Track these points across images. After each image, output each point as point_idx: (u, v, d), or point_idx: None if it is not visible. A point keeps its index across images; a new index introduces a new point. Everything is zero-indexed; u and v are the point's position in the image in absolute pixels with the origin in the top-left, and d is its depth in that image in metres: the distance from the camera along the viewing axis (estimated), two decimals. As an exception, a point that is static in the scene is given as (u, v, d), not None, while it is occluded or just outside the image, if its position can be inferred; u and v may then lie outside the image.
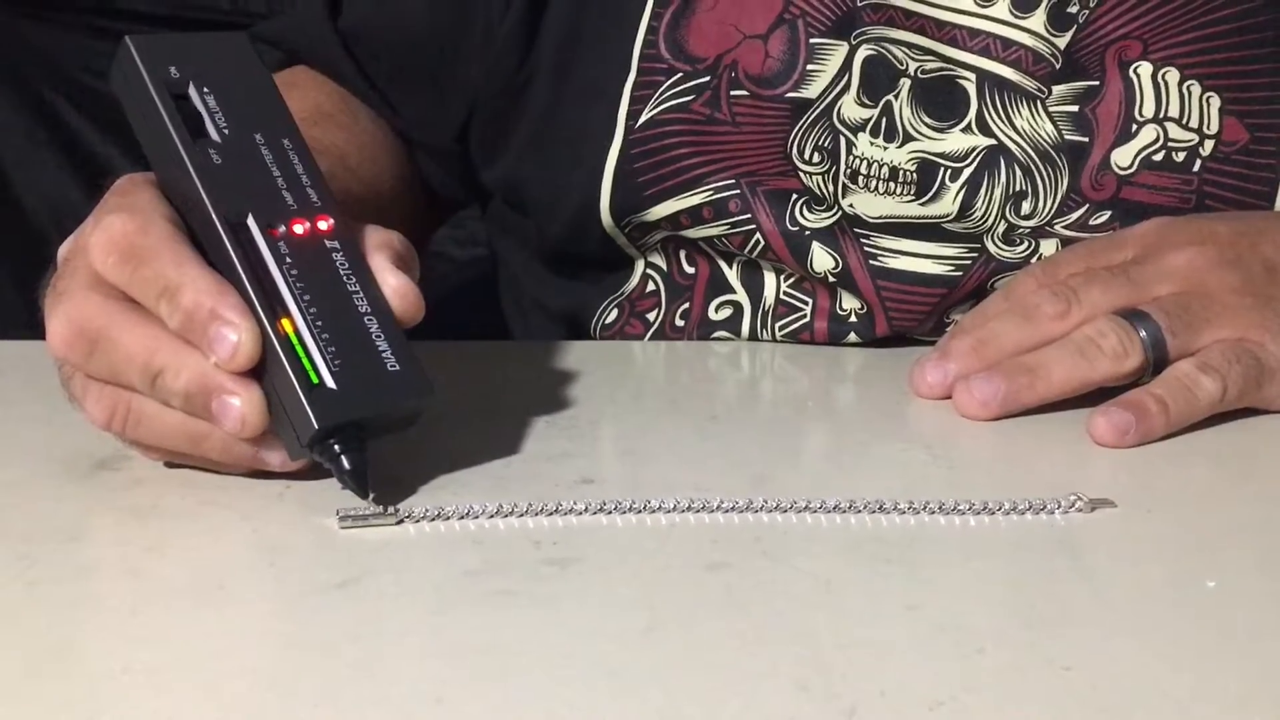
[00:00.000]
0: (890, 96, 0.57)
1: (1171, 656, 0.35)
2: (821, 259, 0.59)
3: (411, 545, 0.41)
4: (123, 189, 0.45)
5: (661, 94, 0.59)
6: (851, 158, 0.58)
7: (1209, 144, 0.57)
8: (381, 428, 0.43)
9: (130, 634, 0.37)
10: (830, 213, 0.58)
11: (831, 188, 0.58)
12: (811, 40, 0.58)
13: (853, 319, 0.60)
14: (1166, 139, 0.56)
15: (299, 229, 0.44)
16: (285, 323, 0.42)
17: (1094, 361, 0.50)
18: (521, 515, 0.43)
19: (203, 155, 0.43)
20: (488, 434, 0.48)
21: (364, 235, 0.45)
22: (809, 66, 0.58)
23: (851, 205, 0.58)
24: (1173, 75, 0.56)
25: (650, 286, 0.64)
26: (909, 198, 0.58)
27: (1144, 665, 0.35)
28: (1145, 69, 0.56)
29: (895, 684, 0.34)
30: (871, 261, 0.59)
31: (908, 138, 0.57)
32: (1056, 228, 0.57)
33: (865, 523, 0.43)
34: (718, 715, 0.33)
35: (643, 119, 0.59)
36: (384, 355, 0.43)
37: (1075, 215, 0.57)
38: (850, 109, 0.58)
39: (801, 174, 0.59)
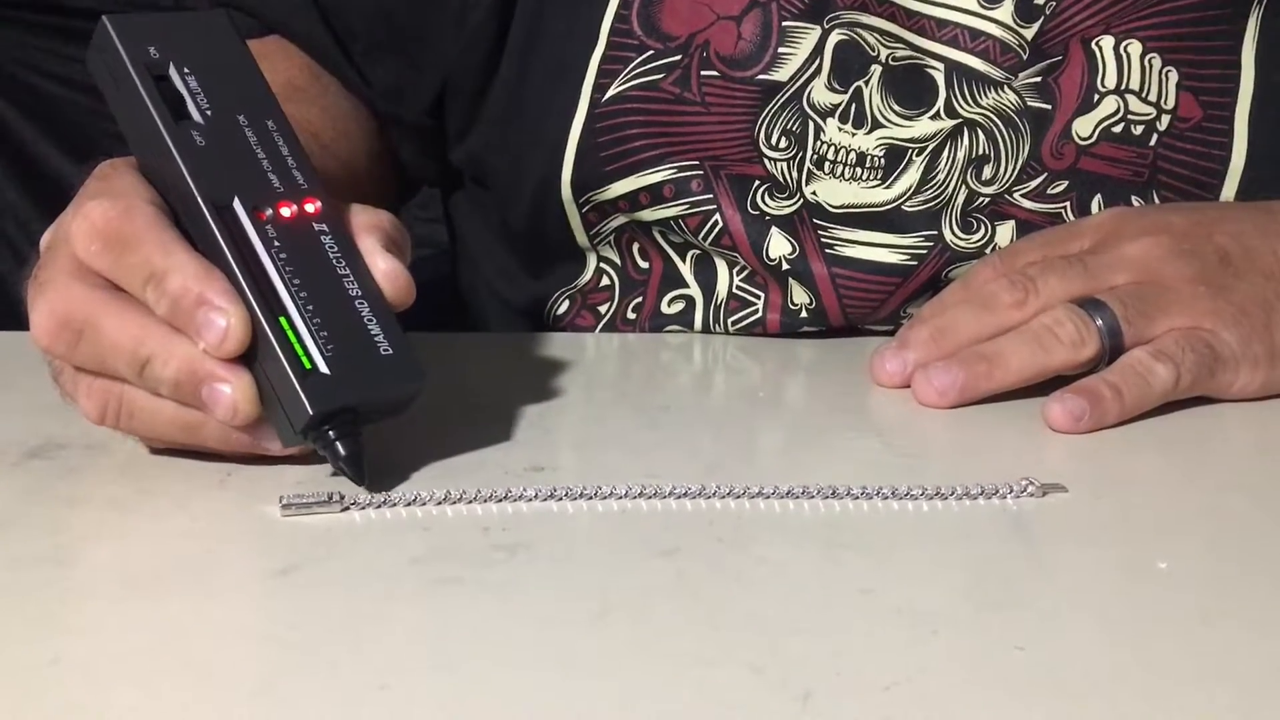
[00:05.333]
0: (861, 82, 0.57)
1: (1123, 636, 0.35)
2: (778, 244, 0.59)
3: (357, 532, 0.40)
4: (103, 174, 0.44)
5: (630, 70, 0.58)
6: (819, 143, 0.57)
7: (1165, 119, 0.57)
8: (375, 413, 0.43)
9: (59, 624, 0.35)
10: (792, 201, 0.58)
11: (796, 174, 0.58)
12: (784, 23, 0.57)
13: (804, 314, 0.60)
14: (1126, 111, 0.57)
15: (286, 211, 0.43)
16: (275, 307, 0.41)
17: (1051, 350, 0.50)
18: (470, 502, 0.42)
19: (186, 137, 0.43)
20: (435, 424, 0.47)
21: (352, 216, 0.44)
22: (780, 49, 0.57)
23: (814, 193, 0.58)
24: (1135, 47, 0.56)
25: (604, 281, 0.63)
26: (874, 183, 0.57)
27: (1096, 644, 0.35)
28: (1108, 41, 0.56)
29: (849, 666, 0.33)
30: (828, 250, 0.59)
31: (876, 124, 0.57)
32: (1016, 195, 0.57)
33: (818, 508, 0.42)
34: (671, 700, 0.32)
35: (609, 94, 0.58)
36: (376, 339, 0.42)
37: (1034, 184, 0.57)
38: (820, 94, 0.57)
39: (766, 160, 0.58)
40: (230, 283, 0.41)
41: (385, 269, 0.43)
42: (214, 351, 0.40)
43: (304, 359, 0.41)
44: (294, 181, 0.44)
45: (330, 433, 0.41)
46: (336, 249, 0.43)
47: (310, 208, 0.43)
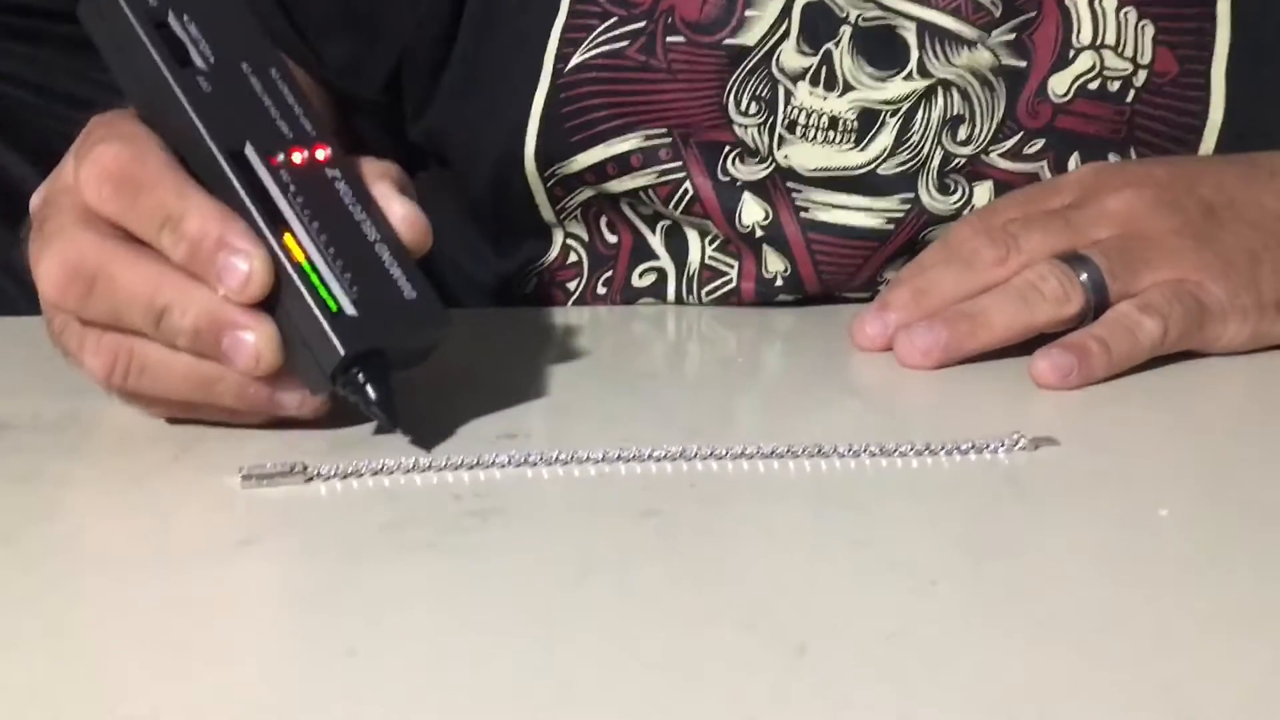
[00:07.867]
0: (831, 45, 0.56)
1: (1128, 579, 0.34)
2: (751, 210, 0.57)
3: (321, 502, 0.38)
4: (106, 121, 0.42)
5: (594, 38, 0.56)
6: (790, 108, 0.56)
7: (1142, 74, 0.56)
8: (400, 359, 0.41)
9: (4, 601, 0.33)
10: (763, 165, 0.57)
11: (767, 139, 0.56)
12: None
13: (779, 282, 0.58)
14: (1102, 67, 0.55)
15: (297, 158, 0.41)
16: (297, 251, 0.40)
17: (1035, 306, 0.49)
18: (440, 469, 0.40)
19: (192, 83, 0.41)
20: (402, 396, 0.45)
21: (362, 164, 0.43)
22: (747, 12, 0.56)
23: (786, 157, 0.56)
24: (1110, 1, 0.55)
25: (572, 258, 0.62)
26: (848, 146, 0.56)
27: (1101, 589, 0.33)
28: None
29: (846, 619, 0.31)
30: (802, 214, 0.57)
31: (848, 87, 0.56)
32: (992, 155, 0.56)
33: (804, 467, 0.40)
34: (661, 660, 0.30)
35: (572, 63, 0.57)
36: (399, 283, 0.41)
37: (1010, 143, 0.56)
38: (790, 57, 0.56)
39: (736, 127, 0.57)
40: (249, 225, 0.39)
41: (403, 213, 0.42)
42: (236, 297, 0.38)
43: (330, 301, 0.39)
44: (303, 129, 0.42)
45: (360, 376, 0.40)
46: (351, 195, 0.42)
47: (321, 154, 0.42)
